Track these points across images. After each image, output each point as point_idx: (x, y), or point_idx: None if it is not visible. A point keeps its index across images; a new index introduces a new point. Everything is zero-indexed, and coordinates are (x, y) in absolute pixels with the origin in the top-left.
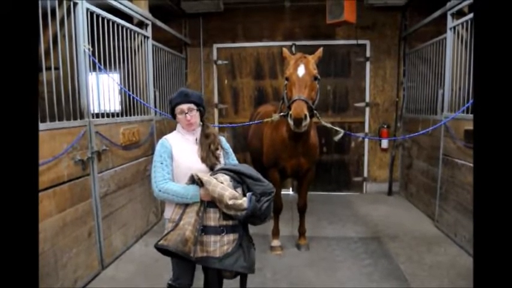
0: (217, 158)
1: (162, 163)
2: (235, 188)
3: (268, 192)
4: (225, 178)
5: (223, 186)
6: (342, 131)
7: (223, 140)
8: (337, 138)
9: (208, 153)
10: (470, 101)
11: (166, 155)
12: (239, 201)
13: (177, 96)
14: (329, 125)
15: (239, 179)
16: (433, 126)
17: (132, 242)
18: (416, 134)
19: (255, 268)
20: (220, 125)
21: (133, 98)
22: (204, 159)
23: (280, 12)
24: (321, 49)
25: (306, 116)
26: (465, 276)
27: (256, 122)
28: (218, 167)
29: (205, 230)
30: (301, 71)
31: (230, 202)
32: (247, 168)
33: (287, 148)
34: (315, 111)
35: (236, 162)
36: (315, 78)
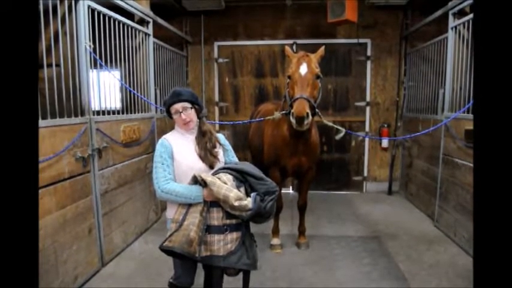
0: (215, 156)
1: (163, 163)
2: (238, 187)
3: (272, 191)
4: (228, 178)
5: (227, 187)
6: (343, 130)
7: (221, 137)
8: (338, 137)
9: (206, 151)
10: (471, 101)
11: (166, 155)
12: (244, 202)
13: (170, 97)
14: (330, 124)
15: (242, 178)
16: (433, 125)
17: (132, 240)
18: (416, 134)
19: (257, 265)
20: (221, 122)
21: (134, 94)
22: (202, 158)
23: (281, 10)
24: (322, 48)
25: (308, 114)
26: (464, 276)
27: (257, 119)
28: (218, 165)
29: (209, 229)
30: (303, 69)
31: (236, 203)
32: (250, 167)
33: (288, 147)
34: (317, 110)
35: (235, 159)
36: (317, 77)
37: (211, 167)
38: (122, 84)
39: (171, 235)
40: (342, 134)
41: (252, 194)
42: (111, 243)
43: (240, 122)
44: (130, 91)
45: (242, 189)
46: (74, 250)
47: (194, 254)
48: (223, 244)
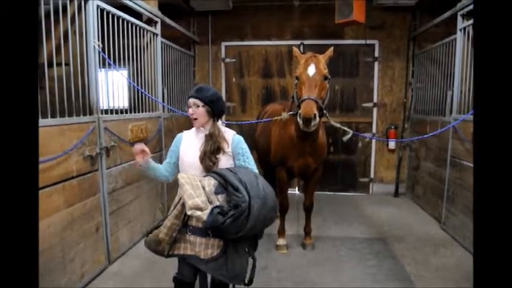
0: (214, 163)
1: (169, 152)
2: (217, 193)
3: (239, 205)
4: (209, 183)
5: (190, 194)
6: (351, 132)
7: (237, 140)
8: (345, 138)
9: (205, 154)
10: None
11: (174, 148)
12: (197, 213)
13: (192, 90)
14: (338, 125)
15: (225, 185)
16: (441, 127)
17: (139, 238)
18: (424, 136)
19: (242, 279)
20: (227, 122)
21: (141, 94)
22: (200, 160)
23: (288, 11)
24: (331, 48)
25: (315, 115)
26: (470, 279)
27: (265, 120)
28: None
29: (193, 230)
30: (311, 70)
31: (189, 212)
32: (239, 174)
33: (295, 147)
34: (325, 111)
35: (248, 164)
36: (325, 78)
37: (207, 170)
38: (130, 83)
39: (153, 229)
40: (349, 136)
41: (211, 206)
42: (117, 242)
43: (247, 122)
44: (139, 90)
45: (222, 196)
46: (81, 248)
47: (162, 252)
48: (204, 248)
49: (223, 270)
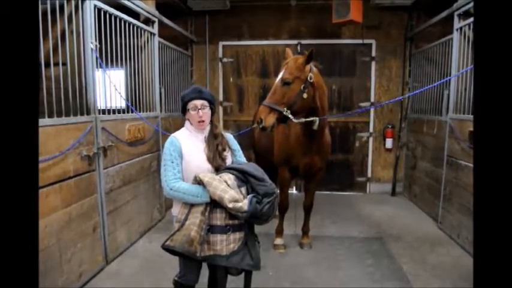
0: (223, 160)
1: (172, 162)
2: (239, 187)
3: (270, 193)
4: (229, 177)
5: (223, 188)
6: (317, 119)
7: (230, 138)
8: (315, 126)
9: (215, 153)
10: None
11: (176, 154)
12: (239, 205)
13: (191, 92)
14: (303, 120)
15: (244, 178)
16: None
17: (136, 238)
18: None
19: (260, 265)
20: (227, 131)
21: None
22: (210, 160)
23: (286, 10)
24: (310, 49)
25: (261, 120)
26: (467, 278)
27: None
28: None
29: (212, 229)
30: (278, 77)
31: (230, 205)
32: (252, 168)
33: (301, 146)
34: (287, 113)
35: (243, 159)
36: (286, 83)
37: (217, 169)
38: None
39: (172, 234)
40: (317, 123)
41: (249, 196)
42: (115, 242)
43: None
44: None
45: (243, 189)
46: (79, 248)
47: (195, 253)
48: (226, 244)
49: (247, 260)
